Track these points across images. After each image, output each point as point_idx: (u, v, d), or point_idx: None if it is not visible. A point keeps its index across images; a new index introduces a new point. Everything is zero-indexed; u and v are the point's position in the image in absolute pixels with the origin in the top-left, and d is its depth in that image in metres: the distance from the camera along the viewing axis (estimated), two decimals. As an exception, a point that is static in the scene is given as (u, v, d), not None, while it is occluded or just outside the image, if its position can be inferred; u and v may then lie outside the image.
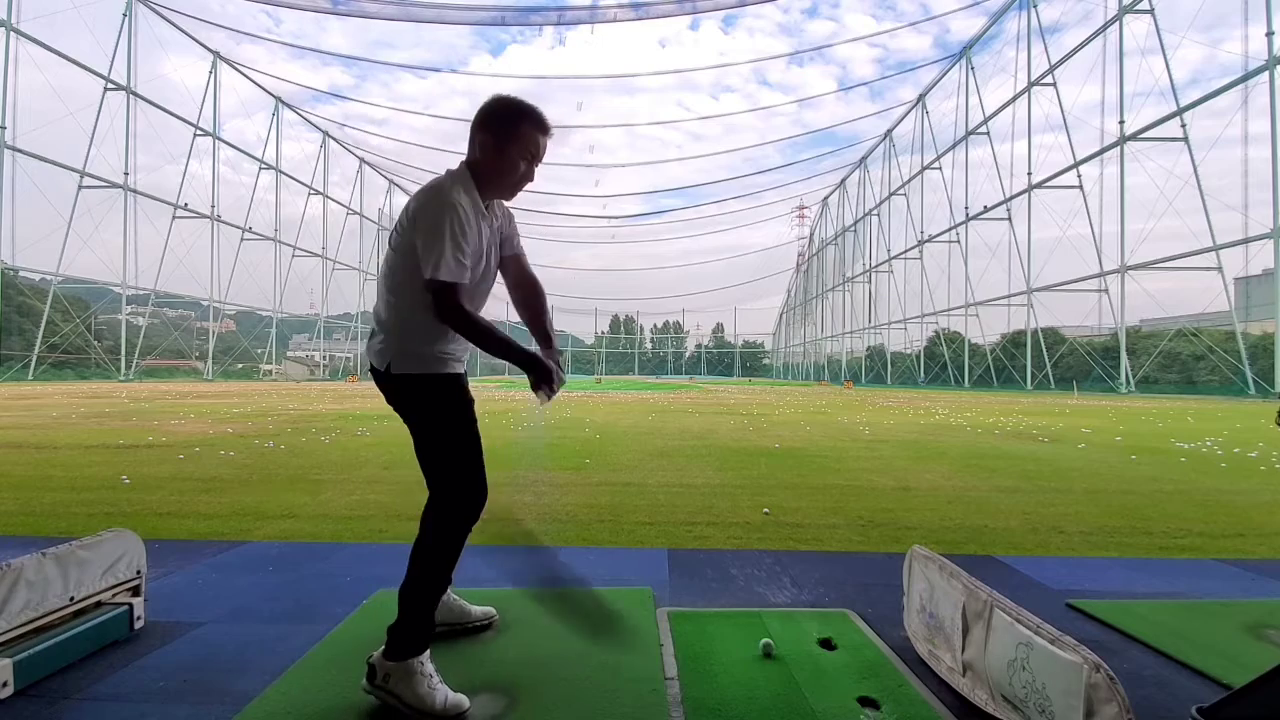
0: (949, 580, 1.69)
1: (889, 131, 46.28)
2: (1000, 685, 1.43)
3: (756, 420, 10.38)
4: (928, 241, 40.21)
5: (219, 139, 37.17)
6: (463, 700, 1.51)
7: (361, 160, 51.13)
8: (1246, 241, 20.98)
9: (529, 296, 1.85)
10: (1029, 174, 31.06)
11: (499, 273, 1.83)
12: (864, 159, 51.76)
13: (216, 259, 37.74)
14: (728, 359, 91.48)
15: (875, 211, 49.06)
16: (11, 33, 25.08)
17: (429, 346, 1.63)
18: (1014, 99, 31.75)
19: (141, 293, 33.44)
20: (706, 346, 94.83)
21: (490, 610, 2.02)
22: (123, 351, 32.63)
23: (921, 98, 41.13)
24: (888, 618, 2.07)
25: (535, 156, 1.69)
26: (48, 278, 29.43)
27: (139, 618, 1.95)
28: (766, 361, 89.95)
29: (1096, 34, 26.72)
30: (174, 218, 34.53)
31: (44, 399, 14.61)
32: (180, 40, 34.02)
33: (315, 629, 1.96)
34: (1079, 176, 28.37)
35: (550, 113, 1.71)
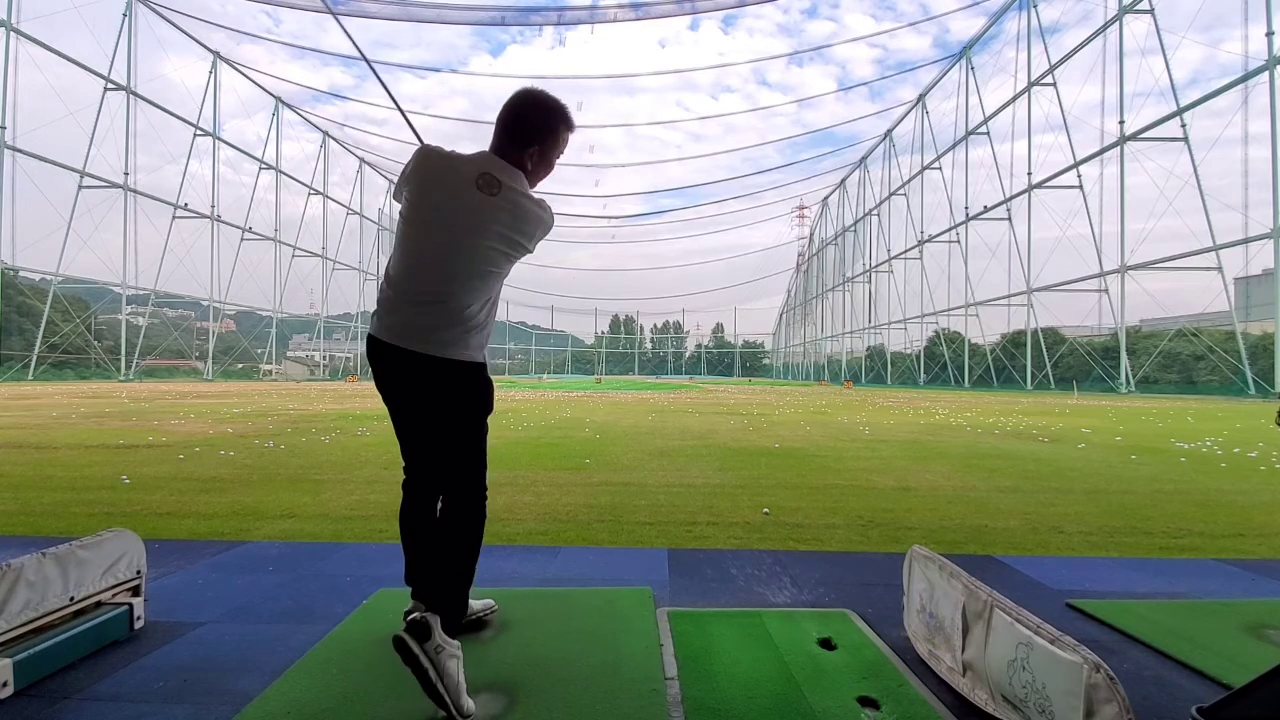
0: (949, 580, 1.69)
1: (889, 131, 46.29)
2: (1000, 685, 1.43)
3: (756, 420, 10.38)
4: (928, 241, 40.22)
5: (219, 139, 37.18)
6: (470, 702, 1.53)
7: (361, 160, 51.14)
8: (1246, 241, 20.99)
9: None
10: (1029, 174, 31.07)
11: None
12: (864, 159, 51.77)
13: (216, 259, 37.78)
14: (728, 359, 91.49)
15: (875, 211, 49.07)
16: (11, 33, 25.09)
17: (489, 341, 1.83)
18: (1014, 99, 31.76)
19: (141, 293, 33.45)
20: (706, 346, 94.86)
21: (489, 602, 2.05)
22: (123, 351, 32.64)
23: (921, 98, 41.13)
24: (888, 618, 2.07)
25: (563, 151, 1.89)
26: (48, 278, 29.45)
27: (139, 618, 1.95)
28: (766, 361, 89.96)
29: (1096, 34, 26.73)
30: (174, 218, 34.57)
31: (44, 399, 14.61)
32: (180, 40, 34.08)
33: (315, 629, 1.96)
34: (1079, 176, 28.39)
35: None
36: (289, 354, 59.19)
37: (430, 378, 1.69)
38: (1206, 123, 23.66)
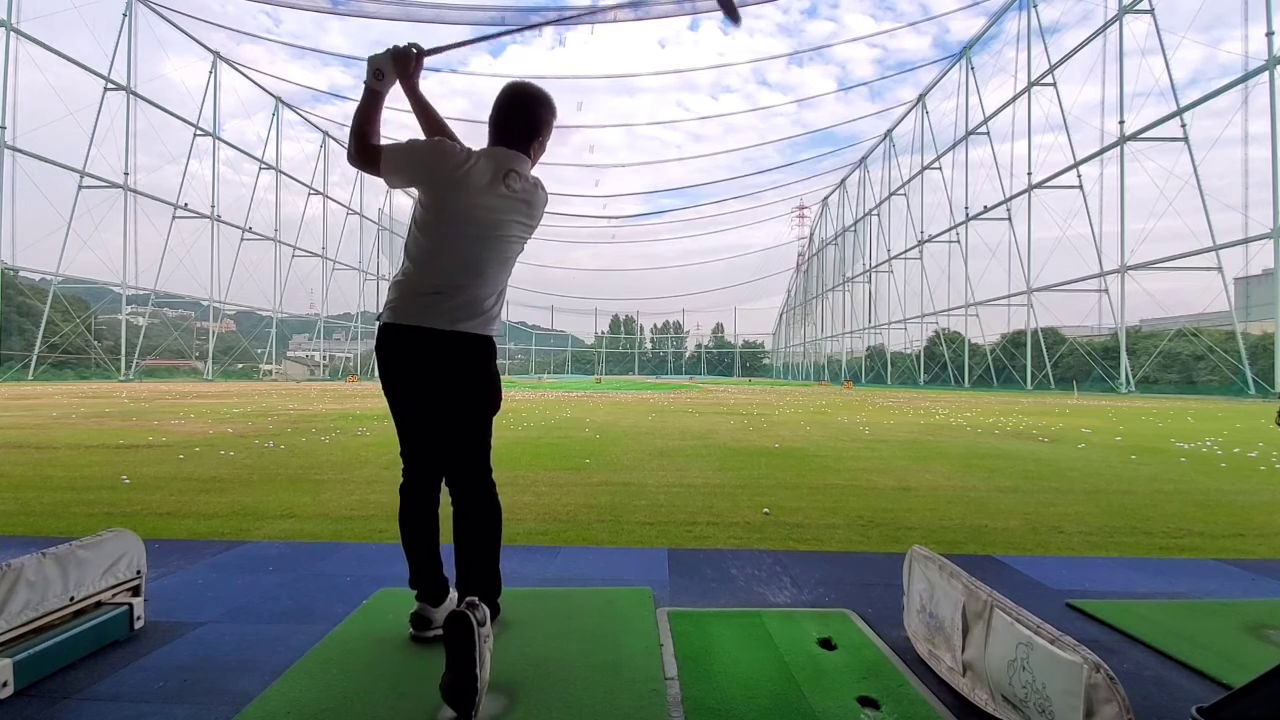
0: (949, 580, 1.68)
1: (889, 131, 46.30)
2: (1000, 685, 1.43)
3: (756, 420, 10.38)
4: (928, 241, 40.22)
5: (219, 139, 37.18)
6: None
7: (362, 160, 50.94)
8: (1246, 241, 20.99)
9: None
10: (1029, 174, 31.07)
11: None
12: (864, 159, 51.78)
13: (216, 259, 37.78)
14: (728, 359, 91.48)
15: (875, 211, 49.07)
16: (11, 33, 25.09)
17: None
18: (1014, 99, 31.76)
19: (141, 293, 33.45)
20: (706, 347, 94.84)
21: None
22: (123, 351, 32.64)
23: (921, 98, 41.14)
24: (888, 618, 2.07)
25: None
26: (48, 278, 29.44)
27: (139, 618, 1.95)
28: (766, 361, 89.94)
29: (1096, 34, 26.73)
30: (174, 218, 34.57)
31: (44, 399, 14.61)
32: (180, 40, 34.07)
33: (315, 629, 1.96)
34: (1079, 176, 28.39)
35: None
36: (289, 354, 59.17)
37: (450, 352, 1.76)
38: (1207, 123, 23.68)
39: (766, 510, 3.67)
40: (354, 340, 56.07)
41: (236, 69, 37.82)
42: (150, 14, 31.47)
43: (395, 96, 1.88)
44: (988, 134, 34.41)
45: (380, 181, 1.82)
